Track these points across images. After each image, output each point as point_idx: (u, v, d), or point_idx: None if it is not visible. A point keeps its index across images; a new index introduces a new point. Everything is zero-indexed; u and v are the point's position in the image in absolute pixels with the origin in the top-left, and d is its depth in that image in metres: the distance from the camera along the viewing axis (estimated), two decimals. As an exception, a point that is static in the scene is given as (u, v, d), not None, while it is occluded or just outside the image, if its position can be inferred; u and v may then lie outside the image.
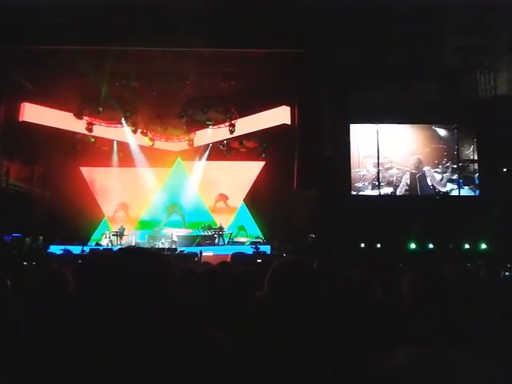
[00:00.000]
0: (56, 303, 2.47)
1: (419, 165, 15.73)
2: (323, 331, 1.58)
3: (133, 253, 1.57)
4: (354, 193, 15.64)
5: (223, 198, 19.31)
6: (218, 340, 1.57)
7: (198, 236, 18.04)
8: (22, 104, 15.64)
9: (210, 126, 17.76)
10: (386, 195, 15.68)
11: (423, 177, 15.70)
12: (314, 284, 1.68)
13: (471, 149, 15.87)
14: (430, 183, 15.71)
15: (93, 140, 17.60)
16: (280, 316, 1.64)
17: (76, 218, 16.72)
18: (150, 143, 18.48)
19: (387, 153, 15.90)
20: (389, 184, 15.78)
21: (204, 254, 14.20)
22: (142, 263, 1.48)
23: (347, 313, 2.05)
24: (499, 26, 12.30)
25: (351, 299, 2.55)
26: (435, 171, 15.76)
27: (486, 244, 13.78)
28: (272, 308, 1.69)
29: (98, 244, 16.91)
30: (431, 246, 14.20)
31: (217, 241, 17.51)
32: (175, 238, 17.32)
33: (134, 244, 16.71)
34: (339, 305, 1.79)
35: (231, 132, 17.14)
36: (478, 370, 1.10)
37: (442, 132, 16.01)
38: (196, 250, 14.91)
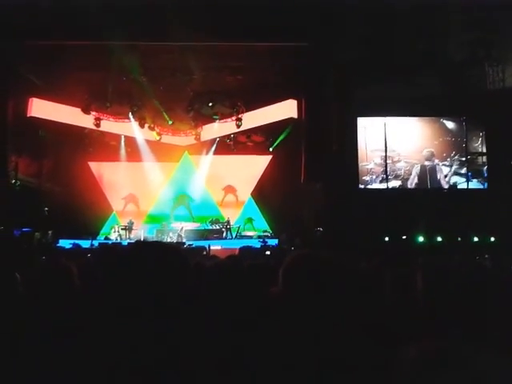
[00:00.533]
0: (62, 297, 2.49)
1: (431, 157, 15.66)
2: (340, 328, 1.59)
3: (148, 246, 1.60)
4: (361, 186, 15.60)
5: (231, 189, 19.33)
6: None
7: (205, 230, 18.10)
8: (30, 99, 15.71)
9: (217, 121, 17.77)
10: (393, 189, 15.63)
11: (433, 170, 15.63)
12: (333, 279, 1.67)
13: (479, 141, 15.77)
14: (438, 177, 15.64)
15: (100, 135, 17.70)
16: (296, 312, 1.65)
17: (85, 212, 16.84)
18: (158, 138, 18.52)
19: (395, 146, 15.83)
20: (396, 177, 15.72)
21: (212, 247, 14.23)
22: (158, 255, 1.50)
23: (361, 309, 2.06)
24: (507, 18, 12.18)
25: (364, 294, 2.55)
26: (443, 164, 15.68)
27: (495, 237, 13.73)
28: (288, 303, 1.68)
29: (106, 238, 17.01)
30: (439, 239, 14.15)
31: (224, 235, 17.55)
32: (183, 232, 17.38)
33: (142, 238, 16.78)
34: (353, 300, 1.79)
35: (238, 126, 17.15)
36: (494, 364, 1.11)
37: (450, 125, 15.92)
38: (204, 243, 14.94)
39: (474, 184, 15.58)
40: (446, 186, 15.60)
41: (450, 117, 15.83)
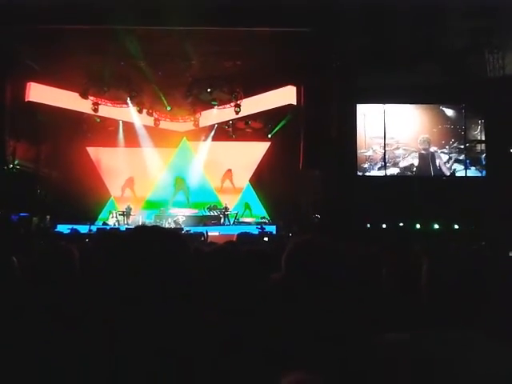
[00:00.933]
0: (62, 281, 2.50)
1: (428, 145, 15.65)
2: (341, 314, 1.59)
3: (148, 230, 1.60)
4: (359, 173, 15.60)
5: (229, 176, 19.30)
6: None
7: (203, 216, 18.12)
8: (28, 84, 15.62)
9: (216, 107, 17.69)
10: (392, 176, 15.64)
11: (433, 157, 15.63)
12: (334, 265, 1.68)
13: (478, 129, 15.75)
14: (438, 163, 15.65)
15: (98, 120, 17.62)
16: (298, 297, 1.65)
17: (83, 197, 16.84)
18: (156, 123, 18.48)
19: (394, 133, 15.81)
20: (395, 165, 15.73)
21: (210, 233, 14.28)
22: (158, 240, 1.50)
23: (360, 295, 2.07)
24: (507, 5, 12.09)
25: (363, 281, 2.56)
26: (442, 152, 15.68)
27: (492, 225, 13.77)
28: (290, 289, 1.69)
29: (104, 223, 17.03)
30: (436, 226, 14.20)
31: (222, 221, 17.58)
32: (181, 218, 17.42)
33: (140, 223, 16.81)
34: (353, 287, 1.81)
35: (237, 112, 17.08)
36: (490, 351, 1.12)
37: (450, 112, 15.88)
38: (202, 229, 14.98)
39: (473, 172, 15.59)
40: (448, 173, 15.60)
41: (450, 104, 15.79)
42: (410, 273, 2.28)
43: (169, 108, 17.35)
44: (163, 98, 16.80)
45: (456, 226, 14.07)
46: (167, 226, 16.53)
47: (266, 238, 11.84)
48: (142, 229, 1.71)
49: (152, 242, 1.49)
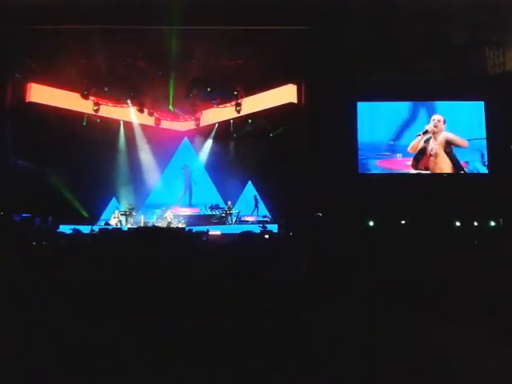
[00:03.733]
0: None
1: (430, 142, 15.60)
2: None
3: (149, 231, 1.61)
4: (361, 171, 15.58)
5: (231, 175, 19.22)
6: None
7: (205, 215, 18.13)
8: (29, 85, 15.64)
9: (217, 106, 17.69)
10: (393, 173, 15.59)
11: (438, 154, 15.59)
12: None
13: (480, 125, 15.69)
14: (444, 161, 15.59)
15: (99, 120, 17.63)
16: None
17: (85, 197, 16.86)
18: (157, 123, 18.49)
19: (395, 130, 15.77)
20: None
21: (212, 232, 14.27)
22: (159, 241, 1.51)
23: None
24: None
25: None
26: (445, 149, 15.63)
27: (495, 221, 13.75)
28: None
29: (107, 224, 17.04)
30: (439, 223, 14.16)
31: (224, 220, 17.57)
32: (182, 218, 17.44)
33: (142, 223, 16.83)
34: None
35: (238, 111, 17.07)
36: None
37: (451, 109, 15.81)
38: (204, 229, 14.98)
39: (475, 168, 15.54)
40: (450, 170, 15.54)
41: (451, 101, 15.73)
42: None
43: (171, 107, 17.35)
44: (163, 98, 16.80)
45: (458, 224, 14.03)
46: (169, 225, 16.54)
47: (266, 236, 11.83)
48: (142, 230, 1.72)
49: (152, 243, 1.50)
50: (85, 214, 17.17)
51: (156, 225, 15.81)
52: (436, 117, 15.45)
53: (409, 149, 15.55)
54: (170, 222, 17.08)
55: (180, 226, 16.27)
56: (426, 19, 12.98)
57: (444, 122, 15.40)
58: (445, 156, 15.45)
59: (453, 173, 15.48)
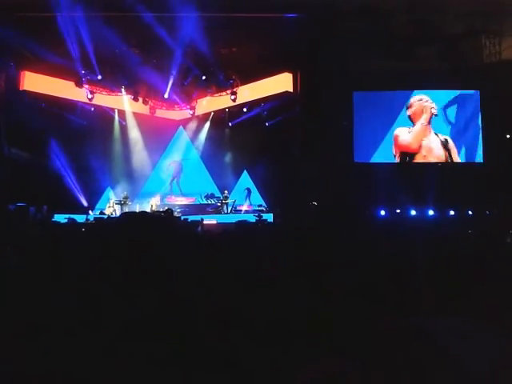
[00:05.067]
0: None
1: (428, 131, 15.62)
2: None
3: (135, 217, 1.60)
4: (357, 160, 15.59)
5: (226, 164, 19.16)
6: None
7: (201, 205, 18.11)
8: (23, 73, 15.50)
9: (212, 94, 17.60)
10: (389, 163, 15.62)
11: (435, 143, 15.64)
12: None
13: (476, 114, 15.70)
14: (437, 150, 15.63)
15: (93, 109, 17.53)
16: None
17: (80, 186, 16.82)
18: (151, 112, 18.39)
19: (392, 120, 15.78)
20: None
21: (207, 222, 14.26)
22: (145, 225, 1.50)
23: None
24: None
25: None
26: (441, 139, 15.64)
27: (489, 211, 13.80)
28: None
29: (102, 213, 16.99)
30: (432, 212, 14.22)
31: (219, 209, 17.55)
32: (178, 207, 17.41)
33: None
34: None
35: (233, 100, 17.00)
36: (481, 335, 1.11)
37: (448, 98, 15.80)
38: (199, 218, 14.96)
39: (471, 157, 15.58)
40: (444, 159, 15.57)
41: (447, 90, 15.71)
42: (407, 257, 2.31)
43: (166, 96, 17.25)
44: (158, 86, 16.69)
45: (452, 212, 14.09)
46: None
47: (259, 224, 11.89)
48: (128, 215, 1.71)
49: (138, 228, 1.49)
50: (84, 201, 17.18)
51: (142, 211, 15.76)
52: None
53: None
54: (154, 211, 16.98)
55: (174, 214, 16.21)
56: (423, 7, 12.92)
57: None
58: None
59: (448, 162, 15.52)
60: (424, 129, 15.57)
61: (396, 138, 15.62)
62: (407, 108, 15.59)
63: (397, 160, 15.62)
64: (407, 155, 15.60)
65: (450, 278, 2.16)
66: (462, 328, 1.20)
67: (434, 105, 15.47)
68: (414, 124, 15.64)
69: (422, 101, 15.51)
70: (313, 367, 1.15)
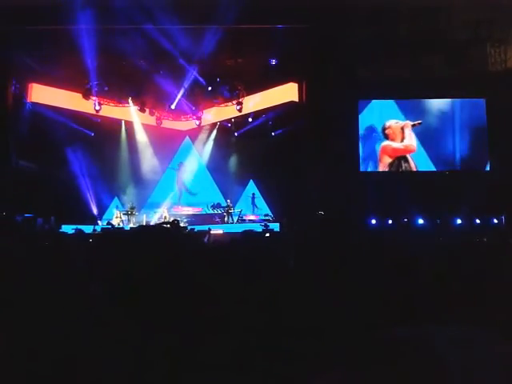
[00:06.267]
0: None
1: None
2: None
3: (149, 230, 1.62)
4: (362, 169, 15.58)
5: (233, 173, 19.18)
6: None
7: (207, 214, 18.13)
8: (30, 85, 15.66)
9: (218, 105, 17.69)
10: (395, 172, 15.58)
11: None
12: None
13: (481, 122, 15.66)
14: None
15: (99, 120, 17.67)
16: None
17: (87, 197, 16.91)
18: (158, 122, 18.51)
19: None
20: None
21: (214, 231, 14.26)
22: (157, 239, 1.52)
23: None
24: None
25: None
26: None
27: (496, 218, 13.72)
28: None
29: (109, 223, 17.04)
30: (439, 221, 14.15)
31: (226, 219, 17.55)
32: (185, 217, 17.44)
33: (144, 222, 16.83)
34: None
35: (239, 110, 17.08)
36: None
37: (452, 106, 15.78)
38: (206, 228, 14.97)
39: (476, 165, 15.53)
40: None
41: (452, 98, 15.69)
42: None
43: (173, 107, 17.36)
44: (164, 97, 16.81)
45: (459, 221, 14.01)
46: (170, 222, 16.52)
47: (267, 234, 11.83)
48: (143, 229, 1.73)
49: (151, 241, 1.52)
50: (92, 211, 17.30)
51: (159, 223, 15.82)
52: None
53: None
54: (166, 221, 17.04)
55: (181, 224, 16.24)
56: (428, 16, 12.97)
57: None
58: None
59: (454, 170, 15.47)
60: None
61: (386, 148, 15.59)
62: (384, 129, 15.59)
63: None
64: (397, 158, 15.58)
65: (456, 286, 2.17)
66: (468, 338, 1.20)
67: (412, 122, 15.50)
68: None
69: (399, 123, 15.53)
70: (313, 380, 1.17)
